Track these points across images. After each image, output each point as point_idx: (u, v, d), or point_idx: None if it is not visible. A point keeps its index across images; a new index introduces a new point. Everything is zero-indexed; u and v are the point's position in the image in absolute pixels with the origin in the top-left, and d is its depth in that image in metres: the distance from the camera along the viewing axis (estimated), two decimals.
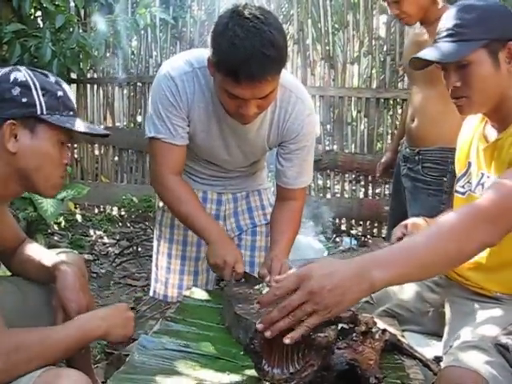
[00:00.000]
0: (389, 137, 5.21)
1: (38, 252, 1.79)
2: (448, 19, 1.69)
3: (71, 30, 4.43)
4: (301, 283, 1.22)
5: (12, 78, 1.50)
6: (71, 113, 1.57)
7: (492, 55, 1.64)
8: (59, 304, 1.65)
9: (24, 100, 1.49)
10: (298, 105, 2.03)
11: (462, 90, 1.69)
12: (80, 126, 1.57)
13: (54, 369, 1.37)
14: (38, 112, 1.50)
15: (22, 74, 1.52)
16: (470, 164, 1.85)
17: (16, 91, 1.49)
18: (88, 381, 1.35)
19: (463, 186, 1.85)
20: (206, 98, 1.96)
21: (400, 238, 1.88)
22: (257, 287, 1.87)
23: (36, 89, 1.51)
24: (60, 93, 1.55)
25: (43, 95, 1.51)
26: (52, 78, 1.57)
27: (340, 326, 1.56)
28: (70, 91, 1.62)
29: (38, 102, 1.50)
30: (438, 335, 1.88)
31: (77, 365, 1.81)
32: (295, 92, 2.03)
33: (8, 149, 1.48)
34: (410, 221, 1.98)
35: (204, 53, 1.92)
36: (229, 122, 1.97)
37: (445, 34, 1.68)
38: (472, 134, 1.87)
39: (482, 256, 1.73)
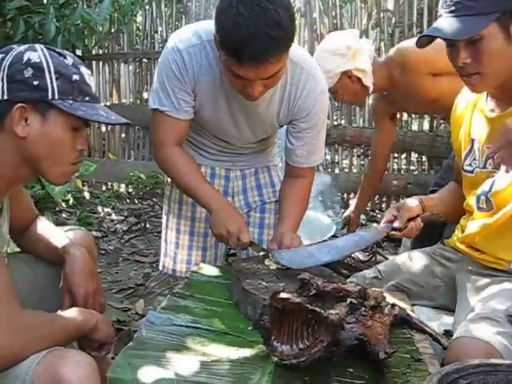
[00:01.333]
0: None
1: (48, 232, 1.78)
2: None
3: (75, 5, 4.38)
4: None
5: (26, 58, 1.42)
6: (87, 98, 1.48)
7: (504, 28, 1.59)
8: (67, 288, 1.65)
9: (35, 83, 1.41)
10: (309, 82, 1.98)
11: (472, 66, 1.63)
12: (96, 112, 1.49)
13: (59, 349, 1.38)
14: (50, 97, 1.42)
15: (37, 54, 1.43)
16: (473, 140, 1.81)
17: (28, 73, 1.41)
18: (92, 362, 1.35)
19: (470, 164, 1.82)
20: (214, 72, 1.93)
21: (390, 221, 1.86)
22: (266, 262, 1.86)
23: (50, 71, 1.42)
24: (76, 76, 1.46)
25: (56, 79, 1.42)
26: (69, 60, 1.48)
27: (349, 300, 1.56)
28: (89, 74, 1.52)
29: (50, 86, 1.42)
30: (449, 309, 1.87)
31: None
32: (307, 68, 1.98)
33: (17, 133, 1.42)
34: (402, 202, 1.95)
35: (213, 25, 1.89)
36: (237, 97, 1.93)
37: (453, 7, 1.61)
38: (470, 110, 1.83)
39: (490, 220, 1.73)
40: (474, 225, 1.81)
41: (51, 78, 1.42)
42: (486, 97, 1.78)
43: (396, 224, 1.84)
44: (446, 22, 1.63)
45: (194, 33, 1.93)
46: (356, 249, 1.90)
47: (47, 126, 1.44)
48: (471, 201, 1.81)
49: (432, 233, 2.45)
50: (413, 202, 1.90)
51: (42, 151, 1.46)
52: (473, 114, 1.82)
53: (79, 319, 1.50)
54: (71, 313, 1.51)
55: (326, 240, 3.33)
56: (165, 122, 2.00)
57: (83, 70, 1.49)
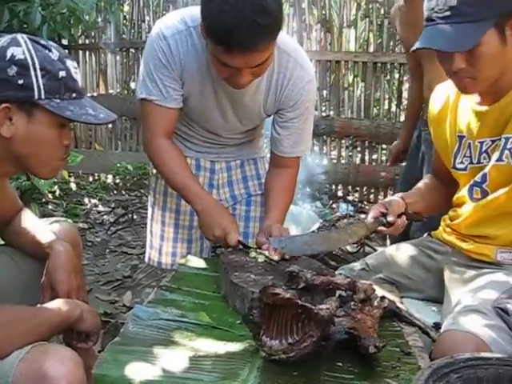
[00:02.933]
0: (386, 102, 5.16)
1: (33, 226, 1.74)
2: None
3: None
4: None
5: (9, 54, 1.37)
6: (74, 94, 1.44)
7: (500, 32, 1.53)
8: (48, 283, 1.61)
9: (20, 82, 1.36)
10: (297, 70, 1.95)
11: (467, 71, 1.58)
12: (84, 111, 1.45)
13: (43, 345, 1.35)
14: (36, 96, 1.37)
15: (21, 49, 1.38)
16: (461, 138, 1.79)
17: (12, 71, 1.36)
18: (76, 357, 1.33)
19: (462, 162, 1.80)
20: (200, 59, 1.89)
21: (376, 218, 1.84)
22: (253, 255, 1.84)
23: (35, 69, 1.37)
24: (62, 73, 1.41)
25: (42, 76, 1.38)
26: (55, 54, 1.42)
27: (338, 293, 1.55)
28: (75, 68, 1.47)
29: (36, 85, 1.37)
30: (438, 301, 1.87)
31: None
32: (294, 56, 1.95)
33: (2, 133, 1.38)
34: (387, 200, 1.93)
35: (199, 11, 1.85)
36: (224, 85, 1.90)
37: (447, 13, 1.53)
38: (453, 108, 1.81)
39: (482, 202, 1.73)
40: (464, 211, 1.80)
41: (37, 77, 1.38)
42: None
43: (389, 218, 1.82)
44: (442, 31, 1.54)
45: (180, 19, 1.89)
46: (349, 241, 1.88)
47: (33, 125, 1.41)
48: (463, 192, 1.80)
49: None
50: (398, 200, 1.89)
51: (29, 150, 1.44)
52: (457, 111, 1.80)
53: (64, 310, 1.47)
54: (55, 304, 1.48)
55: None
56: (154, 111, 1.96)
57: (69, 63, 1.45)
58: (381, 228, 1.84)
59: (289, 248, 1.78)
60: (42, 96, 1.38)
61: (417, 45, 1.61)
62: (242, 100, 1.98)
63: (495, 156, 1.68)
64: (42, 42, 1.44)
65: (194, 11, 1.85)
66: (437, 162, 2.00)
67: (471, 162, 1.76)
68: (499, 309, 1.50)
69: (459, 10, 1.51)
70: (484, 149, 1.72)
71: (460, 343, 1.39)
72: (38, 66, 1.38)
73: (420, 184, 2.04)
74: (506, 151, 1.66)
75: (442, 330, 1.52)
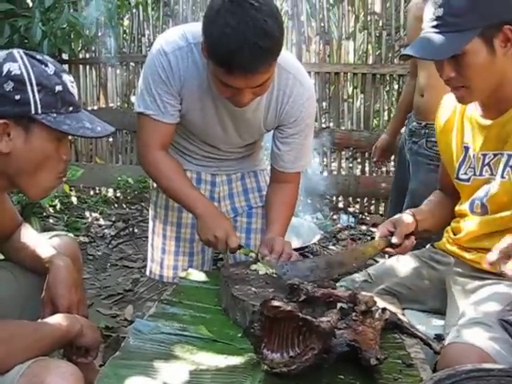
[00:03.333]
0: (385, 113, 5.17)
1: (33, 240, 1.74)
2: (436, 4, 1.57)
3: (61, 9, 4.35)
4: None
5: (5, 70, 1.37)
6: (71, 108, 1.44)
7: (487, 42, 1.55)
8: (49, 298, 1.61)
9: (17, 97, 1.36)
10: (296, 87, 1.96)
11: (457, 80, 1.61)
12: (81, 125, 1.44)
13: (44, 360, 1.35)
14: (33, 111, 1.37)
15: (18, 64, 1.38)
16: (466, 148, 1.79)
17: (9, 86, 1.36)
18: (77, 372, 1.33)
19: (466, 173, 1.79)
20: (201, 76, 1.90)
21: (384, 236, 1.83)
22: (253, 267, 1.84)
23: (31, 84, 1.37)
24: (58, 87, 1.41)
25: (39, 91, 1.38)
26: (51, 68, 1.42)
27: (339, 305, 1.54)
28: (72, 82, 1.48)
29: (32, 100, 1.37)
30: (439, 313, 1.86)
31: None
32: (294, 73, 1.95)
33: (0, 149, 1.38)
34: (398, 217, 1.90)
35: (200, 27, 1.86)
36: (224, 101, 1.90)
37: (435, 23, 1.57)
38: (459, 118, 1.81)
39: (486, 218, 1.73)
40: (467, 225, 1.79)
41: (33, 91, 1.38)
42: (474, 104, 1.76)
43: (394, 240, 1.80)
44: (428, 39, 1.58)
45: (181, 35, 1.90)
46: (354, 265, 1.86)
47: (31, 140, 1.41)
48: (465, 206, 1.80)
49: None
50: (408, 218, 1.86)
51: (28, 165, 1.43)
52: (463, 122, 1.80)
53: (64, 325, 1.46)
54: (56, 319, 1.48)
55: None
56: (150, 125, 1.97)
57: (66, 77, 1.45)
58: (388, 249, 1.82)
59: (292, 274, 1.76)
60: (39, 111, 1.38)
61: (403, 51, 1.66)
62: (242, 116, 1.98)
63: (498, 172, 1.69)
64: (38, 56, 1.44)
65: (195, 28, 1.86)
66: (443, 174, 1.99)
67: (474, 174, 1.76)
68: (504, 321, 1.50)
69: (445, 19, 1.55)
70: (486, 161, 1.72)
71: (465, 356, 1.38)
72: (34, 81, 1.38)
73: (429, 200, 2.02)
74: (508, 168, 1.66)
75: (446, 343, 1.51)
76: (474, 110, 1.75)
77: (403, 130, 2.95)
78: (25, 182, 1.46)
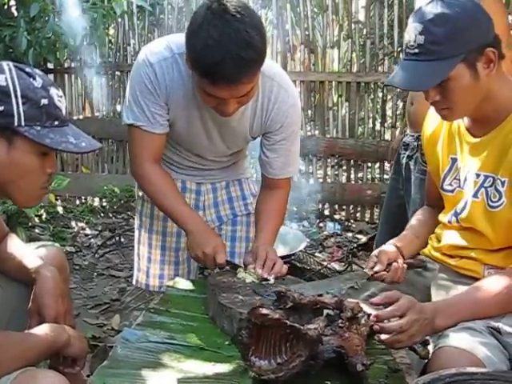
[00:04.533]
0: (370, 121, 5.21)
1: (19, 251, 1.73)
2: (416, 30, 1.57)
3: (46, 18, 4.34)
4: (408, 311, 1.45)
5: None
6: (56, 122, 1.43)
7: (471, 67, 1.56)
8: (35, 308, 1.60)
9: (1, 108, 1.36)
10: (281, 94, 1.98)
11: (442, 103, 1.63)
12: (65, 139, 1.43)
13: (31, 370, 1.35)
14: (16, 123, 1.37)
15: (4, 76, 1.38)
16: (454, 160, 1.81)
17: None
18: (65, 381, 1.33)
19: (451, 184, 1.81)
20: (186, 86, 1.92)
21: (372, 267, 1.83)
22: (240, 276, 1.85)
23: (16, 96, 1.37)
24: (44, 101, 1.40)
25: (23, 103, 1.37)
26: (39, 82, 1.42)
27: (325, 312, 1.55)
28: (60, 96, 1.46)
29: (16, 112, 1.36)
30: None
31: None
32: (278, 81, 1.97)
33: None
34: (380, 250, 1.89)
35: (184, 38, 1.88)
36: (210, 111, 1.92)
37: (416, 50, 1.57)
38: (445, 129, 1.83)
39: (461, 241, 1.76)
40: (447, 235, 1.82)
41: (18, 104, 1.37)
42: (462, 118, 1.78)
43: (376, 268, 1.81)
44: (412, 68, 1.59)
45: (166, 46, 1.92)
46: (341, 285, 1.86)
47: (14, 152, 1.40)
48: (446, 217, 1.83)
49: None
50: (389, 248, 1.87)
51: (10, 177, 1.43)
52: (450, 133, 1.82)
53: (51, 336, 1.46)
54: (42, 330, 1.47)
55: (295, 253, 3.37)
56: (141, 137, 1.98)
57: (53, 91, 1.44)
58: (380, 274, 1.82)
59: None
60: (22, 123, 1.37)
61: (386, 81, 1.71)
62: (228, 125, 2.00)
63: (471, 191, 1.72)
64: (27, 69, 1.43)
65: (180, 38, 1.88)
66: (430, 186, 2.00)
67: (459, 186, 1.78)
68: (491, 328, 1.52)
69: (426, 48, 1.56)
70: (468, 177, 1.75)
71: (455, 360, 1.39)
72: (19, 94, 1.37)
73: (413, 221, 2.03)
74: (482, 189, 1.69)
75: (435, 347, 1.51)
76: (461, 123, 1.77)
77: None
78: (11, 190, 1.46)
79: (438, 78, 1.57)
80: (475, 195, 1.71)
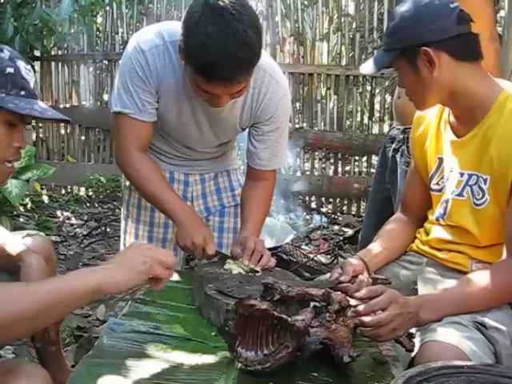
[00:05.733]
0: (358, 114, 5.21)
1: (2, 238, 1.70)
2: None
3: (33, 5, 4.29)
4: (390, 305, 1.46)
5: None
6: (22, 92, 1.40)
7: (410, 62, 1.66)
8: None
9: None
10: (272, 85, 1.97)
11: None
12: (30, 106, 1.40)
13: (10, 362, 1.33)
14: None
15: None
16: (441, 160, 1.81)
17: None
18: (44, 374, 1.31)
19: (438, 183, 1.82)
20: (177, 74, 1.90)
21: (338, 280, 1.80)
22: (226, 267, 1.85)
23: None
24: (10, 69, 1.39)
25: None
26: (6, 54, 1.41)
27: (312, 304, 1.55)
28: (28, 70, 1.45)
29: None
30: None
31: (45, 350, 1.77)
32: (270, 72, 1.96)
33: None
34: (345, 261, 1.88)
35: (176, 26, 1.85)
36: (200, 100, 1.90)
37: (381, 42, 1.73)
38: (433, 129, 1.84)
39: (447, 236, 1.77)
40: (436, 230, 1.82)
41: None
42: (448, 116, 1.79)
43: (342, 278, 1.78)
44: (375, 56, 1.81)
45: (157, 34, 1.90)
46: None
47: None
48: (433, 216, 1.84)
49: None
50: (355, 260, 1.86)
51: None
52: (437, 133, 1.83)
53: (95, 281, 1.26)
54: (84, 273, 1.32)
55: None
56: (128, 125, 1.95)
57: (20, 64, 1.42)
58: (344, 285, 1.76)
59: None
60: None
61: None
62: (218, 115, 1.99)
63: (456, 190, 1.73)
64: None
65: (171, 25, 1.87)
66: (409, 191, 2.01)
67: (445, 186, 1.79)
68: (477, 323, 1.53)
69: (384, 40, 1.76)
70: (451, 177, 1.76)
71: (441, 354, 1.39)
72: None
73: (384, 231, 2.01)
74: (468, 187, 1.71)
75: (422, 341, 1.52)
76: (446, 122, 1.79)
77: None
78: None
79: (379, 66, 1.77)
80: (460, 194, 1.73)
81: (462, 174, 1.73)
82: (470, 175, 1.71)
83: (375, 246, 1.95)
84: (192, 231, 1.92)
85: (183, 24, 1.68)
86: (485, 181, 1.66)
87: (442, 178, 1.81)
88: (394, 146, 2.68)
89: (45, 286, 1.23)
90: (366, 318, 1.45)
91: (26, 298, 1.18)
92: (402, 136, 2.62)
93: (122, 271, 1.29)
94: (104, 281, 1.26)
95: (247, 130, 2.11)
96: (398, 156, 2.66)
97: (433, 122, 1.85)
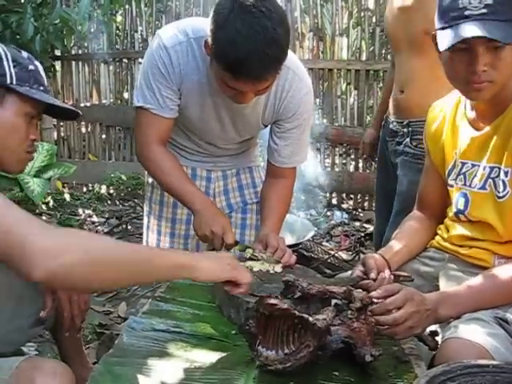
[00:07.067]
0: None
1: None
2: None
3: (53, 4, 4.32)
4: (406, 303, 1.44)
5: None
6: (41, 88, 1.53)
7: None
8: (50, 298, 1.61)
9: None
10: (295, 82, 1.96)
11: (488, 74, 1.55)
12: (50, 99, 1.55)
13: (33, 359, 1.34)
14: (8, 81, 1.46)
15: None
16: (458, 155, 1.78)
17: None
18: (67, 370, 1.32)
19: (455, 179, 1.79)
20: (200, 71, 1.89)
21: (360, 277, 1.79)
22: (248, 264, 1.84)
23: (7, 60, 1.47)
24: (31, 67, 1.52)
25: (14, 66, 1.48)
26: (24, 54, 1.55)
27: (334, 302, 1.54)
28: (42, 69, 1.59)
29: (8, 72, 1.46)
30: None
31: (67, 347, 1.78)
32: (293, 69, 1.95)
33: None
34: (366, 256, 1.86)
35: (200, 22, 1.86)
36: (223, 97, 1.89)
37: (484, 10, 1.50)
38: (449, 124, 1.80)
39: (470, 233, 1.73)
40: (457, 227, 1.79)
41: (9, 66, 1.47)
42: (464, 110, 1.75)
43: (372, 274, 1.75)
44: (482, 26, 1.50)
45: (181, 30, 1.89)
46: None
47: (3, 112, 1.48)
48: (451, 212, 1.81)
49: None
50: (376, 255, 1.84)
51: None
52: (453, 128, 1.79)
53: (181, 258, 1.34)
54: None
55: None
56: (149, 120, 1.96)
57: (37, 63, 1.57)
58: (366, 282, 1.75)
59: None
60: (14, 82, 1.48)
61: (465, 34, 1.52)
62: (241, 112, 1.98)
63: (477, 184, 1.70)
64: (12, 46, 1.58)
65: (195, 22, 1.88)
66: (425, 189, 1.98)
67: (464, 180, 1.76)
68: (499, 319, 1.50)
69: (495, 8, 1.50)
70: (463, 170, 1.73)
71: (463, 351, 1.38)
72: (9, 57, 1.48)
73: (403, 229, 1.98)
74: (490, 180, 1.67)
75: (443, 339, 1.50)
76: (463, 116, 1.75)
77: (381, 132, 2.87)
78: (1, 151, 1.52)
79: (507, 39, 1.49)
80: (483, 187, 1.69)
81: (483, 168, 1.69)
82: (492, 168, 1.67)
83: (395, 244, 1.92)
84: (210, 220, 1.92)
85: (211, 20, 1.67)
86: (506, 173, 1.63)
87: (460, 173, 1.77)
88: (397, 139, 2.64)
89: (133, 246, 1.40)
90: (382, 317, 1.43)
91: (117, 247, 1.27)
92: (406, 130, 2.57)
93: (209, 261, 1.38)
94: (192, 261, 1.33)
95: (268, 126, 2.10)
96: (400, 147, 2.61)
97: (448, 117, 1.82)
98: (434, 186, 1.92)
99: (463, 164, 1.75)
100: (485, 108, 1.68)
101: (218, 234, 1.90)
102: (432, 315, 1.48)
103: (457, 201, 1.77)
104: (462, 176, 1.75)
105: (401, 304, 1.44)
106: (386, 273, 1.78)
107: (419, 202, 2.02)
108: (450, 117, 1.81)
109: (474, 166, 1.71)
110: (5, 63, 1.46)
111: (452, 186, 1.81)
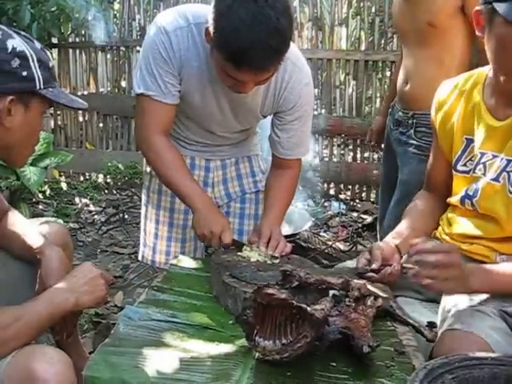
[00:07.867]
0: (378, 100, 5.15)
1: (21, 227, 1.71)
2: None
3: None
4: (452, 252, 1.47)
5: (10, 46, 1.40)
6: (56, 83, 1.51)
7: None
8: (42, 290, 1.56)
9: (24, 74, 1.41)
10: (295, 73, 1.94)
11: None
12: (71, 98, 1.55)
13: (31, 346, 1.33)
14: (37, 87, 1.43)
15: (17, 41, 1.42)
16: (470, 140, 1.74)
17: (15, 63, 1.40)
18: (65, 357, 1.32)
19: (465, 165, 1.75)
20: (201, 58, 1.87)
21: (366, 265, 1.78)
22: (245, 255, 1.83)
23: (33, 60, 1.43)
24: (50, 63, 1.49)
25: (39, 67, 1.44)
26: (37, 44, 1.49)
27: (331, 292, 1.53)
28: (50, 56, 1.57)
29: (36, 76, 1.43)
30: (436, 302, 1.84)
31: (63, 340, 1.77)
32: (292, 59, 1.92)
33: (4, 124, 1.42)
34: (374, 245, 1.85)
35: (200, 8, 1.84)
36: (222, 85, 1.87)
37: None
38: (462, 107, 1.76)
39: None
40: (460, 221, 1.78)
41: (36, 68, 1.43)
42: (482, 96, 1.71)
43: (373, 265, 1.75)
44: None
45: (181, 15, 1.86)
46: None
47: (29, 115, 1.46)
48: (457, 198, 1.78)
49: None
50: (385, 244, 1.82)
51: (20, 138, 1.48)
52: (466, 113, 1.75)
53: (54, 303, 1.42)
54: (45, 298, 1.44)
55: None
56: (151, 107, 1.93)
57: (48, 53, 1.53)
58: (371, 274, 1.76)
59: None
60: (42, 86, 1.45)
61: None
62: (241, 100, 1.96)
63: (491, 174, 1.66)
64: (22, 33, 1.49)
65: (196, 8, 1.85)
66: (432, 171, 1.96)
67: (475, 168, 1.72)
68: (504, 312, 1.49)
69: None
70: (483, 160, 1.69)
71: (463, 343, 1.37)
72: (35, 58, 1.44)
73: (411, 211, 1.96)
74: (505, 173, 1.64)
75: (443, 330, 1.49)
76: (483, 104, 1.70)
77: (388, 119, 2.86)
78: (16, 153, 1.52)
79: None
80: (496, 179, 1.65)
81: (501, 159, 1.65)
82: (509, 161, 1.64)
83: (403, 228, 1.90)
84: (210, 219, 1.91)
85: (213, 8, 1.64)
86: None
87: (472, 159, 1.74)
88: (400, 129, 2.63)
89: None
90: (429, 256, 1.44)
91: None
92: (410, 121, 2.56)
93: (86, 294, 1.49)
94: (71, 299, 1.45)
95: (269, 116, 2.09)
96: (403, 138, 2.60)
97: (461, 103, 1.77)
98: (442, 168, 1.89)
99: (482, 154, 1.70)
100: (508, 95, 1.63)
101: (216, 234, 1.89)
102: (464, 280, 1.48)
103: (468, 187, 1.73)
104: (481, 165, 1.70)
105: (448, 250, 1.48)
106: (394, 266, 1.76)
107: (427, 184, 2.01)
108: (464, 103, 1.76)
109: (494, 156, 1.67)
110: (32, 64, 1.43)
111: (460, 172, 1.77)
